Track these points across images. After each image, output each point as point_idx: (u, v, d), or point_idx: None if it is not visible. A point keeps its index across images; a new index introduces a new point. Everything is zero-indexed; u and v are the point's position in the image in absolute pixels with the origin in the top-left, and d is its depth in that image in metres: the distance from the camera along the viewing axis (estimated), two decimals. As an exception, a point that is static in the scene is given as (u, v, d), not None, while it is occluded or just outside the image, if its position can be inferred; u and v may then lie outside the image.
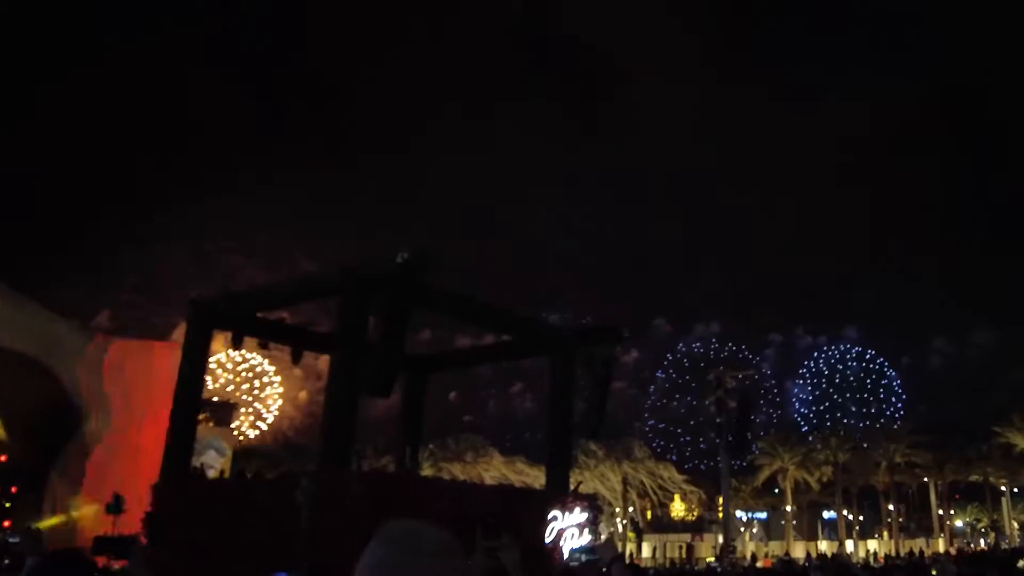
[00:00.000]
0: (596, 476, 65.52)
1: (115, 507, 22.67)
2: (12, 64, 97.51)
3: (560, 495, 21.85)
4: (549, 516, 19.71)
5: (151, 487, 22.35)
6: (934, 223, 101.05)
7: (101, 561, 20.01)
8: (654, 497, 72.23)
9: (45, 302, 34.78)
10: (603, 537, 26.83)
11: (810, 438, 74.28)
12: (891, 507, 68.21)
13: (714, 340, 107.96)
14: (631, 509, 71.01)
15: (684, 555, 51.49)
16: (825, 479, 69.38)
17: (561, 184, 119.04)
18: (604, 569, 4.79)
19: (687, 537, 64.30)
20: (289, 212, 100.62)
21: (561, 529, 19.79)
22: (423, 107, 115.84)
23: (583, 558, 21.09)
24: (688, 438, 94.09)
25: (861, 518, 73.16)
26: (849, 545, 66.00)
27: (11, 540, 19.98)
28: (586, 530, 20.42)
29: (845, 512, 70.56)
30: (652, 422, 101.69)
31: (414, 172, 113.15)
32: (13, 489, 32.84)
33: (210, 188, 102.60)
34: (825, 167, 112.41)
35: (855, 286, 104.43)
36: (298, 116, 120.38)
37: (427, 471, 47.49)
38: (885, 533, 67.78)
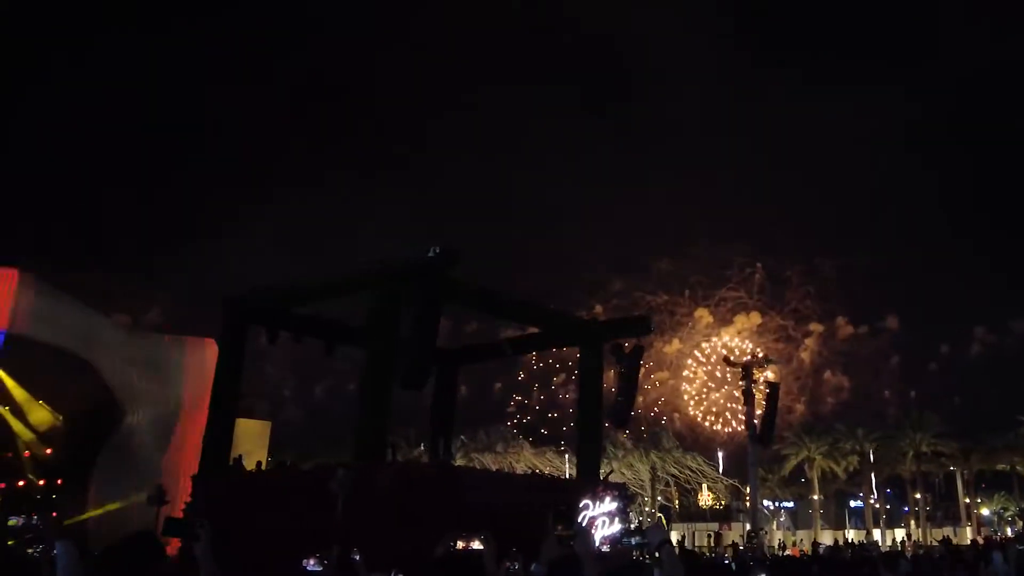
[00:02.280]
0: (625, 466, 65.83)
1: (157, 499, 23.20)
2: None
3: (591, 484, 22.19)
4: (581, 504, 20.05)
5: (191, 478, 22.98)
6: (978, 210, 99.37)
7: (174, 543, 20.43)
8: (682, 487, 72.49)
9: (89, 298, 35.39)
10: (632, 526, 27.12)
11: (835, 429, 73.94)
12: (918, 496, 68.04)
13: (754, 330, 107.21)
14: (659, 498, 71.29)
15: (712, 543, 51.62)
16: (852, 468, 69.35)
17: (592, 172, 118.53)
18: (655, 553, 5.00)
19: (715, 526, 64.41)
20: (324, 208, 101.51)
21: (593, 517, 20.13)
22: (441, 100, 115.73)
23: (633, 541, 21.48)
24: (717, 428, 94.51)
25: (888, 507, 73.07)
26: (876, 534, 65.95)
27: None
28: (617, 518, 20.77)
29: (872, 501, 70.49)
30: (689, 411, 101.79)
31: (438, 166, 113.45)
32: (59, 481, 33.69)
33: (249, 185, 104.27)
34: (862, 154, 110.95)
35: (896, 276, 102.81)
36: (314, 114, 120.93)
37: (459, 462, 47.92)
38: (912, 522, 67.61)
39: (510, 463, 63.26)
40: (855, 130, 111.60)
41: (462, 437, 61.50)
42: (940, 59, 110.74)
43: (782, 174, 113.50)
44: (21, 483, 33.55)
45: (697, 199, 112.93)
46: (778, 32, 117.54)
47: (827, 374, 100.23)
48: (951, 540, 37.25)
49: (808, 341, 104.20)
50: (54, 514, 16.09)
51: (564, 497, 20.29)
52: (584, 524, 19.56)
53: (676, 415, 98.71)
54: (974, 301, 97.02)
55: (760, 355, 70.93)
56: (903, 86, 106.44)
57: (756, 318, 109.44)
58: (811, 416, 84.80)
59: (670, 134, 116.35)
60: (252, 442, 38.48)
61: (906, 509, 71.43)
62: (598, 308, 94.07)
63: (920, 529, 64.47)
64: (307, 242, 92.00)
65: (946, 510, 70.85)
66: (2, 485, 33.03)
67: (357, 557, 10.46)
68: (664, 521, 66.02)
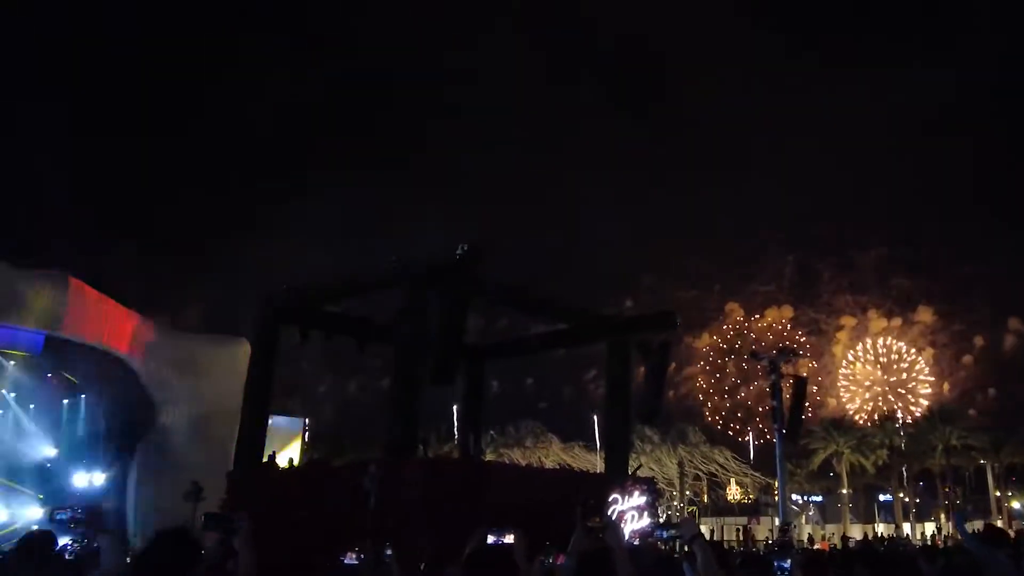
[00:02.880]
0: (652, 461, 65.92)
1: (193, 495, 23.69)
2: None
3: (619, 479, 22.34)
4: (609, 499, 20.21)
5: (227, 475, 23.37)
6: (1016, 200, 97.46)
7: (212, 537, 20.79)
8: (710, 481, 72.47)
9: (125, 296, 36.08)
10: (661, 520, 27.29)
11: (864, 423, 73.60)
12: (947, 489, 67.59)
13: (786, 324, 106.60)
14: (687, 493, 71.32)
15: (741, 537, 51.60)
16: (881, 462, 68.97)
17: (621, 169, 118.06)
18: (686, 548, 5.08)
19: (744, 520, 64.32)
20: (358, 205, 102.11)
21: (621, 512, 20.28)
22: (470, 98, 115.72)
23: (665, 534, 21.46)
24: (739, 423, 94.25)
25: (918, 500, 72.62)
26: (906, 528, 65.59)
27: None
28: (646, 512, 20.90)
29: (902, 495, 70.09)
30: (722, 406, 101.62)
31: (467, 164, 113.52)
32: (101, 478, 34.46)
33: (286, 185, 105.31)
34: (895, 143, 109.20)
35: (930, 267, 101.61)
36: (345, 113, 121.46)
37: (488, 457, 48.25)
38: (942, 515, 67.16)
39: (538, 458, 63.52)
40: (889, 117, 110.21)
41: (491, 432, 61.86)
42: (979, 35, 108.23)
43: (814, 166, 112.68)
44: None
45: (730, 193, 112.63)
46: (807, 16, 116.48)
47: (861, 367, 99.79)
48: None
49: (840, 335, 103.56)
50: (99, 509, 16.49)
51: (593, 491, 20.45)
52: (614, 518, 19.72)
53: (707, 409, 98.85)
54: (1014, 293, 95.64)
55: (787, 349, 71.12)
56: (939, 67, 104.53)
57: (788, 311, 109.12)
58: (841, 411, 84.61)
59: (700, 128, 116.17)
60: (285, 439, 39.10)
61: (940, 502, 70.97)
62: (628, 303, 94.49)
63: (950, 523, 63.96)
64: (342, 239, 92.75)
65: (976, 503, 70.25)
66: None
67: (389, 552, 10.63)
68: (696, 515, 66.00)
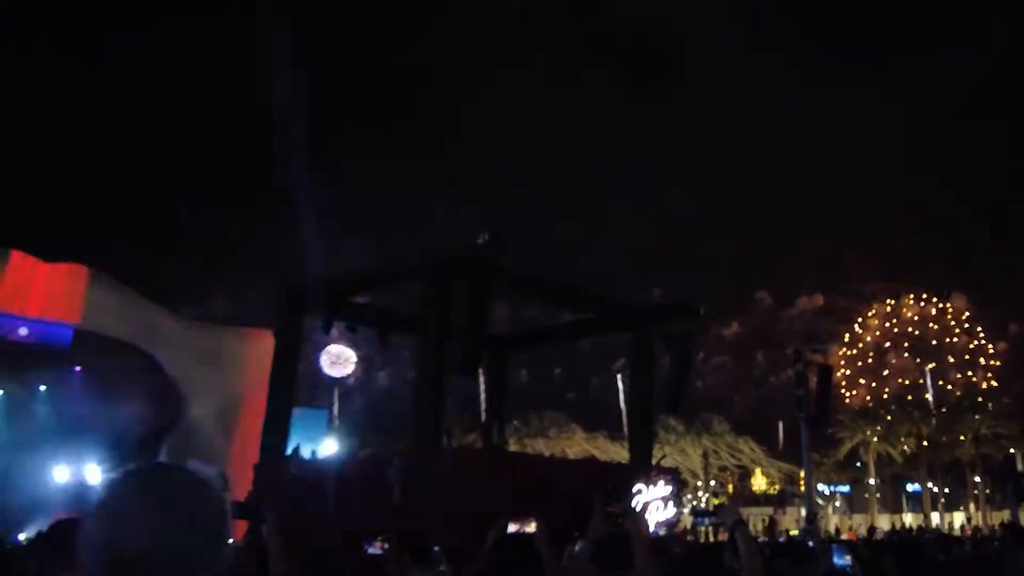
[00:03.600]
0: (676, 451, 65.77)
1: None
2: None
3: (644, 468, 22.31)
4: (634, 488, 20.17)
5: (253, 466, 23.54)
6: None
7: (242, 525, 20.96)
8: (735, 471, 72.22)
9: (151, 289, 36.42)
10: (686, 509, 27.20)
11: (885, 414, 72.90)
12: (977, 479, 66.94)
13: (816, 313, 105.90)
14: (712, 483, 71.12)
15: (767, 528, 51.39)
16: (909, 452, 68.41)
17: (645, 153, 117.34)
18: (727, 535, 4.96)
19: (769, 510, 64.04)
20: (386, 195, 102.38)
21: (646, 501, 20.25)
22: (491, 85, 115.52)
23: (705, 522, 21.38)
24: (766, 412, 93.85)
25: (946, 490, 71.98)
26: (935, 517, 65.08)
27: None
28: (670, 503, 20.87)
29: (930, 484, 69.50)
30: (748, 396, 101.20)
31: (491, 153, 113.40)
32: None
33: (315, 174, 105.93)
34: (932, 127, 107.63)
35: (966, 254, 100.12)
36: (363, 100, 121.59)
37: (512, 447, 48.31)
38: (971, 505, 66.56)
39: (562, 448, 63.55)
40: (916, 101, 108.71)
41: (515, 422, 61.92)
42: (1015, 15, 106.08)
43: (842, 152, 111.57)
44: None
45: (754, 180, 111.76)
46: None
47: (891, 356, 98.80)
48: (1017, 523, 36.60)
49: (871, 321, 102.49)
50: None
51: (616, 479, 20.43)
52: (638, 508, 19.70)
53: (737, 398, 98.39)
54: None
55: (812, 337, 70.91)
56: (969, 46, 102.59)
57: (819, 299, 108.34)
58: (874, 400, 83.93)
59: (723, 116, 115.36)
60: (310, 431, 39.30)
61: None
62: (657, 292, 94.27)
63: (979, 512, 63.46)
64: (366, 228, 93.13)
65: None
66: None
67: (436, 548, 10.51)
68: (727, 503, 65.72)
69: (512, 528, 6.08)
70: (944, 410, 71.66)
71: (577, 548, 5.62)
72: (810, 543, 18.94)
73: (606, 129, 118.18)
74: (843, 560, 6.05)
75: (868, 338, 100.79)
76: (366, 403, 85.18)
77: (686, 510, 50.38)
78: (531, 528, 6.17)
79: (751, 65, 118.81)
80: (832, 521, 65.01)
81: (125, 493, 1.54)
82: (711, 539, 30.72)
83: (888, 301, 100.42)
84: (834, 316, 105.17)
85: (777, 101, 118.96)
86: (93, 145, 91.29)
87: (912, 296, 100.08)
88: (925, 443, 67.01)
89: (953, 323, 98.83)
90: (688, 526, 33.76)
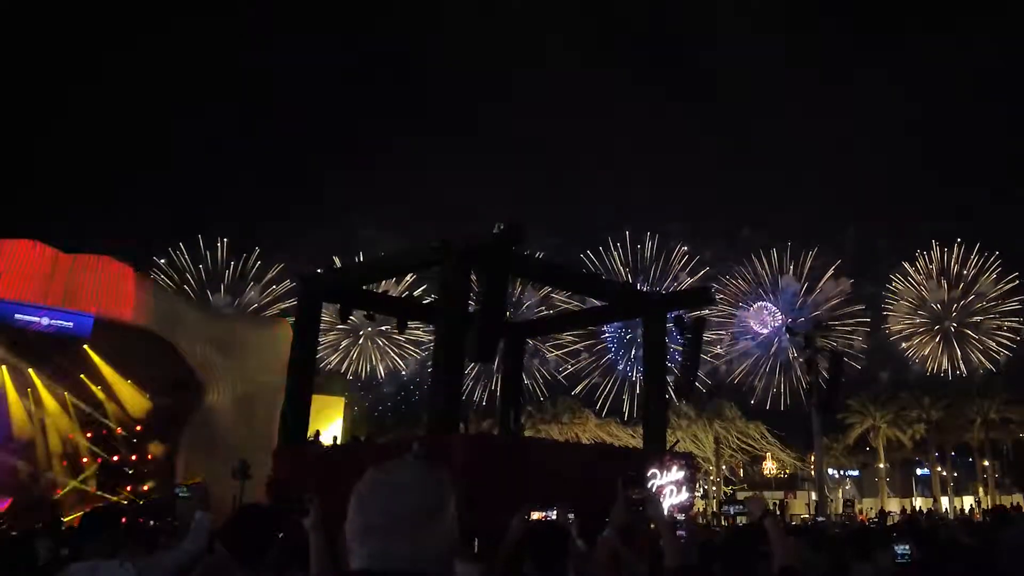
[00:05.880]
0: (688, 436, 66.03)
1: (241, 472, 24.23)
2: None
3: (658, 453, 22.54)
4: (648, 474, 20.43)
5: (272, 453, 23.87)
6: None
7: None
8: (745, 456, 72.51)
9: (181, 280, 36.93)
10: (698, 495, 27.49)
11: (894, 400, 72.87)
12: (986, 463, 67.06)
13: (840, 297, 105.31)
14: (723, 468, 71.44)
15: (778, 512, 51.80)
16: (918, 436, 68.50)
17: (676, 141, 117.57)
18: (754, 523, 5.10)
19: (780, 494, 64.35)
20: (408, 184, 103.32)
21: (661, 486, 20.50)
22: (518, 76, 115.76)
23: (732, 511, 21.58)
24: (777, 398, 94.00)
25: (956, 474, 72.12)
26: (944, 502, 65.28)
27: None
28: (684, 487, 21.09)
29: (939, 468, 69.64)
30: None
31: (514, 141, 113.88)
32: (149, 456, 35.37)
33: (335, 163, 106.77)
34: (962, 97, 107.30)
35: (989, 238, 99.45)
36: (380, 87, 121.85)
37: (527, 433, 48.67)
38: (980, 489, 66.68)
39: (575, 434, 63.89)
40: (947, 86, 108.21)
41: (529, 408, 62.28)
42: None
43: (871, 137, 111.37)
44: (115, 458, 35.41)
45: (781, 166, 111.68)
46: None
47: (914, 341, 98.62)
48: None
49: (899, 306, 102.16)
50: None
51: (633, 465, 20.68)
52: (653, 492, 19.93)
53: (758, 384, 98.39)
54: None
55: (820, 322, 70.80)
56: (987, 32, 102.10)
57: (845, 284, 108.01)
58: (893, 385, 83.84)
59: (753, 110, 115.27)
60: (329, 418, 39.80)
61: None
62: (684, 278, 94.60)
63: (988, 496, 63.59)
64: (387, 216, 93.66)
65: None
66: (99, 460, 34.96)
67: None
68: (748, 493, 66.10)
69: (536, 515, 6.27)
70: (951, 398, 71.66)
71: (604, 534, 5.81)
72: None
73: (628, 113, 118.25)
74: (903, 548, 6.23)
75: (894, 321, 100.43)
76: (391, 391, 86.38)
77: (699, 494, 50.67)
78: (554, 515, 6.32)
79: (784, 49, 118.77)
80: (841, 505, 65.28)
81: (369, 481, 2.12)
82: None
83: (915, 287, 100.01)
84: (863, 301, 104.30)
85: (804, 86, 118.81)
86: (116, 135, 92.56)
87: (937, 280, 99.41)
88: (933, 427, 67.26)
89: (978, 306, 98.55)
90: (700, 508, 34.10)
